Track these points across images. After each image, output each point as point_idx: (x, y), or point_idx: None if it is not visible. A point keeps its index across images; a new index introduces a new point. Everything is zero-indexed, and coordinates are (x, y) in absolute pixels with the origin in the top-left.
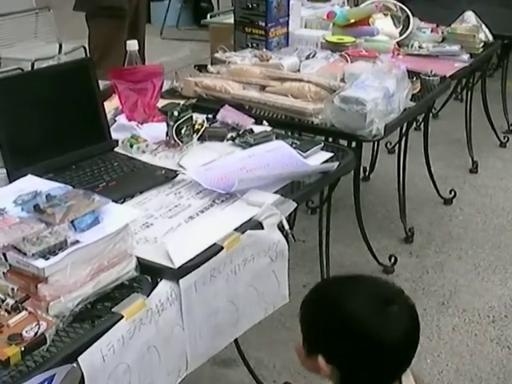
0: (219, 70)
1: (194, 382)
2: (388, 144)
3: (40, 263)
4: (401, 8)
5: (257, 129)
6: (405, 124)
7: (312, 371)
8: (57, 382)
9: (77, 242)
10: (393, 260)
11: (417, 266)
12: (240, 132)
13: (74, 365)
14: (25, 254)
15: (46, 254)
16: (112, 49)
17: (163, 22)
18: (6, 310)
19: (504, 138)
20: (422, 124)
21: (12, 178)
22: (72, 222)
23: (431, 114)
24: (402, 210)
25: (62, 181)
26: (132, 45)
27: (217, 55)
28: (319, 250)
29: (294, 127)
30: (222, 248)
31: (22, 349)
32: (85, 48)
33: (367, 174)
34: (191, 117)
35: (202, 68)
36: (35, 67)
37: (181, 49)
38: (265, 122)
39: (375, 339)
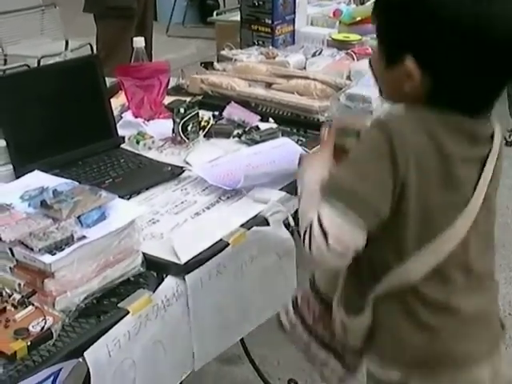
0: (225, 68)
1: (199, 378)
2: None
3: (46, 258)
4: None
5: (263, 126)
6: None
7: (389, 92)
8: (63, 377)
9: (83, 237)
10: None
11: None
12: (246, 129)
13: (80, 360)
14: (31, 249)
15: (53, 250)
16: (119, 48)
17: (169, 19)
18: (13, 305)
19: (509, 136)
20: None
21: (18, 173)
22: (78, 217)
23: None
24: None
25: (68, 177)
26: (138, 41)
27: (223, 52)
28: None
29: (299, 124)
30: (228, 244)
31: (29, 343)
32: (91, 45)
33: None
34: (197, 114)
35: (208, 65)
36: (41, 64)
37: (187, 46)
38: (271, 119)
39: (481, 28)
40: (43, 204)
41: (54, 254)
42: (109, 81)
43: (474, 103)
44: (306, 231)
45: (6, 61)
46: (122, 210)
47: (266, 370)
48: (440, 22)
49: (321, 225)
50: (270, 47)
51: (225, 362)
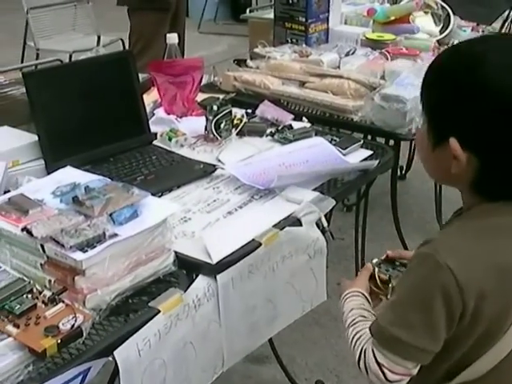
0: (258, 65)
1: (227, 377)
2: None
3: (78, 255)
4: (441, 6)
5: (296, 125)
6: None
7: (435, 173)
8: (92, 376)
9: (115, 235)
10: None
11: None
12: (279, 128)
13: (110, 358)
14: (63, 245)
15: (84, 247)
16: (154, 42)
17: (201, 15)
18: (43, 302)
19: None
20: None
21: (50, 169)
22: (111, 214)
23: None
24: (438, 210)
25: (100, 173)
26: (172, 38)
27: (256, 50)
28: (355, 248)
29: (332, 124)
30: (261, 244)
31: (59, 341)
32: (123, 41)
33: (403, 172)
34: (230, 111)
35: (241, 63)
36: (73, 59)
37: (218, 43)
38: (304, 118)
39: None
40: (75, 200)
41: (86, 251)
42: (141, 76)
43: None
44: (360, 358)
45: (38, 55)
46: (154, 208)
47: (294, 370)
48: (486, 102)
49: (375, 358)
50: (304, 45)
51: (252, 362)
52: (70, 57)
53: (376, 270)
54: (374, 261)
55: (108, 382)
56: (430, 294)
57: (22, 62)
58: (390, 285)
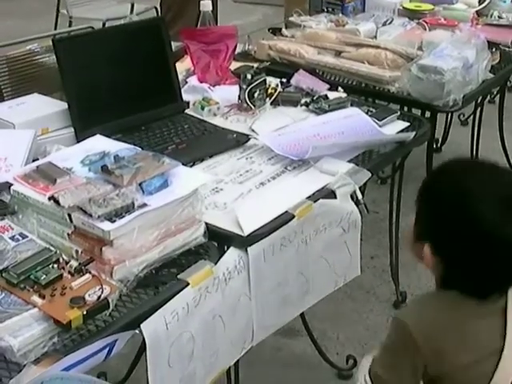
0: (294, 34)
1: (257, 350)
2: (461, 116)
3: (105, 226)
4: None
5: (331, 95)
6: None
7: (415, 256)
8: (118, 348)
9: (144, 205)
10: None
11: None
12: (314, 97)
13: (137, 331)
14: (90, 215)
15: (112, 217)
16: (185, 9)
17: None
18: (70, 273)
19: None
20: (498, 96)
21: (80, 137)
22: (140, 184)
23: (506, 87)
24: None
25: (131, 142)
26: (205, 5)
27: (291, 19)
28: (389, 222)
29: (368, 94)
30: (294, 216)
31: (84, 312)
32: (156, 9)
33: (439, 145)
34: (265, 80)
35: (276, 31)
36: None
37: (253, 12)
38: (340, 88)
39: (497, 238)
40: (104, 169)
41: (114, 221)
42: (174, 45)
43: (485, 291)
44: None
45: (71, 23)
46: (185, 178)
47: (325, 344)
48: (457, 227)
49: None
50: (340, 15)
51: (283, 335)
52: (104, 25)
53: None
54: None
55: (136, 354)
56: (395, 344)
57: (56, 30)
58: None
